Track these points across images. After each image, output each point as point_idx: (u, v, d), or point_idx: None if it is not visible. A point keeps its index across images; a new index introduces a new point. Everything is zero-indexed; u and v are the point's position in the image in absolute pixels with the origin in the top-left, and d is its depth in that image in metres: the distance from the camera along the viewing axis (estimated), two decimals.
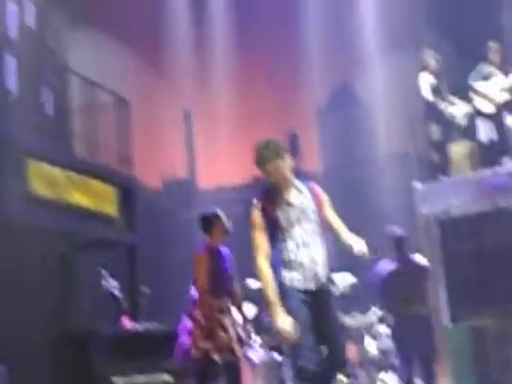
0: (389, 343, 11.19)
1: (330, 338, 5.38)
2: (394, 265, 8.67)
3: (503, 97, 10.54)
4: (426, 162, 11.19)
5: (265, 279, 5.35)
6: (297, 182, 5.59)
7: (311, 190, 5.58)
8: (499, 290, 10.69)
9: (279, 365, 10.16)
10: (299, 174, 5.71)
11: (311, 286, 5.38)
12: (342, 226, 5.57)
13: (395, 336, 8.92)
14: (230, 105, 14.79)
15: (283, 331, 5.17)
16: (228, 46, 14.67)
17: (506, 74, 10.69)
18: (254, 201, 5.51)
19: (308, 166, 13.22)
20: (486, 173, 10.17)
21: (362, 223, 12.43)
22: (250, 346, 8.12)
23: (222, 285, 7.39)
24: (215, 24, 14.93)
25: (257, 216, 5.47)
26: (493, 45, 10.77)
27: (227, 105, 14.80)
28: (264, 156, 5.44)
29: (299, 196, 5.50)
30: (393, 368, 10.93)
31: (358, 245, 5.42)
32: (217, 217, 7.51)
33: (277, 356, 10.03)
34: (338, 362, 5.40)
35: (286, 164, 5.46)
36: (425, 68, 10.97)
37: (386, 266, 8.73)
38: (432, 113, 10.88)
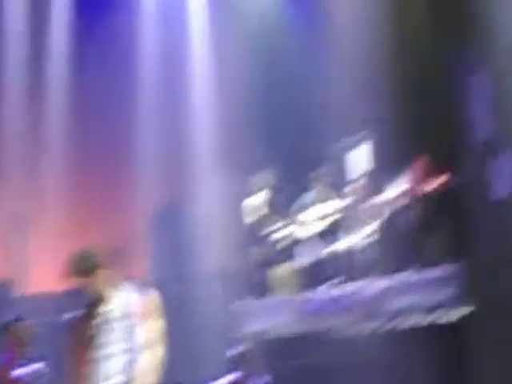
0: None
1: None
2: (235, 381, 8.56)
3: (324, 223, 10.91)
4: (248, 282, 11.33)
5: None
6: (119, 293, 5.46)
7: (134, 300, 5.43)
8: None
9: None
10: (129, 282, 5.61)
11: None
12: (148, 349, 5.35)
13: None
14: (61, 210, 14.56)
15: None
16: (63, 150, 14.58)
17: (329, 201, 11.10)
18: (71, 314, 5.46)
19: (138, 276, 13.05)
20: (305, 296, 10.39)
21: (183, 338, 12.38)
22: None
23: None
24: (50, 129, 14.83)
25: (70, 330, 5.41)
26: (319, 173, 11.20)
27: (58, 209, 14.57)
28: (70, 271, 5.37)
29: (109, 305, 5.39)
30: None
31: None
32: (13, 325, 7.11)
33: None
34: None
35: (96, 279, 5.34)
36: (254, 191, 11.26)
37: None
38: (257, 235, 11.12)
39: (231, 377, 8.55)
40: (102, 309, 5.39)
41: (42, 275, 13.96)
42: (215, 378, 8.80)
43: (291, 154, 12.09)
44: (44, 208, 14.34)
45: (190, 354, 12.54)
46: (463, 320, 9.49)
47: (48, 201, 14.36)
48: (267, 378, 9.09)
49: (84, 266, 5.35)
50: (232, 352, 8.67)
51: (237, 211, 11.85)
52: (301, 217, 11.07)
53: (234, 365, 8.61)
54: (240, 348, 8.78)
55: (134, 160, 13.93)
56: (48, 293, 14.36)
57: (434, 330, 9.86)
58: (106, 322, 5.34)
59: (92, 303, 5.42)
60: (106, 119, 13.84)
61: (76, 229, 14.07)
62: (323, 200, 11.10)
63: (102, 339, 5.30)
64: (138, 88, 13.85)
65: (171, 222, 14.48)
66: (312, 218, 10.97)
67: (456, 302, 9.50)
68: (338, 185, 11.41)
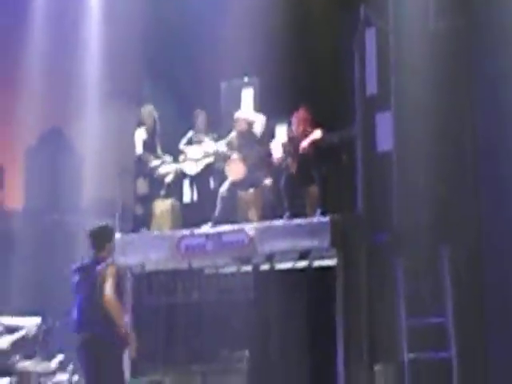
0: None
1: None
2: None
3: (207, 161, 11.04)
4: (130, 215, 11.37)
5: None
6: None
7: None
8: (183, 348, 11.01)
9: None
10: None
11: None
12: None
13: None
14: None
15: None
16: None
17: (213, 139, 11.23)
18: None
19: (11, 204, 12.90)
20: (184, 232, 10.52)
21: (56, 268, 12.31)
22: None
23: None
24: None
25: None
26: (199, 112, 11.29)
27: None
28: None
29: None
30: None
31: None
32: None
33: None
34: None
35: None
36: (141, 123, 11.24)
37: None
38: (142, 167, 11.15)
39: None
40: None
41: None
42: None
43: (183, 90, 12.09)
44: None
45: (65, 283, 12.49)
46: (333, 267, 9.89)
47: None
48: None
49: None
50: None
51: (122, 142, 11.81)
52: (186, 153, 11.15)
53: None
54: None
55: (18, 84, 13.60)
56: None
57: (306, 273, 10.26)
58: None
59: None
60: None
61: None
62: (206, 139, 11.24)
63: None
64: (28, 10, 13.51)
65: (51, 149, 14.27)
66: (196, 155, 11.09)
67: (327, 249, 9.88)
68: (216, 126, 11.54)
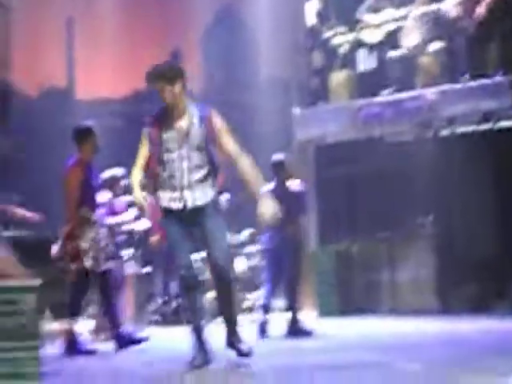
0: (257, 263, 11.52)
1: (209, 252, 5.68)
2: (272, 188, 8.66)
3: (388, 28, 10.80)
4: (306, 89, 11.39)
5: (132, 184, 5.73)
6: (191, 107, 5.65)
7: (205, 117, 5.61)
8: (366, 216, 11.16)
9: (149, 277, 10.36)
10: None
11: (179, 205, 5.64)
12: (241, 158, 5.65)
13: (266, 254, 8.92)
14: (114, 18, 14.52)
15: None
16: None
17: (395, 6, 10.93)
18: (146, 118, 5.68)
19: (190, 85, 13.19)
20: (363, 102, 10.46)
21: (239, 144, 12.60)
22: (116, 258, 8.02)
23: (93, 198, 7.39)
24: None
25: (143, 133, 5.67)
26: None
27: (112, 18, 14.53)
28: (149, 75, 5.61)
29: (186, 121, 5.59)
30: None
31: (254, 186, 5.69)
32: (90, 131, 7.39)
33: (146, 268, 10.25)
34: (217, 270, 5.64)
35: (175, 90, 5.54)
36: None
37: (265, 188, 8.71)
38: (316, 40, 11.08)
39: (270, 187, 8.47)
40: (176, 122, 5.61)
41: (99, 82, 14.22)
42: None
43: None
44: (98, 17, 14.33)
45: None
46: None
47: (102, 10, 14.31)
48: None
49: (166, 71, 5.59)
50: (275, 158, 8.54)
51: (294, 17, 11.71)
52: (366, 21, 10.92)
53: (275, 171, 8.50)
54: (283, 155, 8.67)
55: None
56: (105, 98, 14.71)
57: (489, 136, 10.02)
58: (181, 136, 5.58)
59: (166, 113, 5.63)
60: None
61: (129, 39, 14.14)
62: (388, 6, 10.96)
63: (177, 152, 5.59)
64: None
65: (225, 29, 14.42)
66: (377, 22, 10.84)
67: (511, 110, 9.59)
68: None
